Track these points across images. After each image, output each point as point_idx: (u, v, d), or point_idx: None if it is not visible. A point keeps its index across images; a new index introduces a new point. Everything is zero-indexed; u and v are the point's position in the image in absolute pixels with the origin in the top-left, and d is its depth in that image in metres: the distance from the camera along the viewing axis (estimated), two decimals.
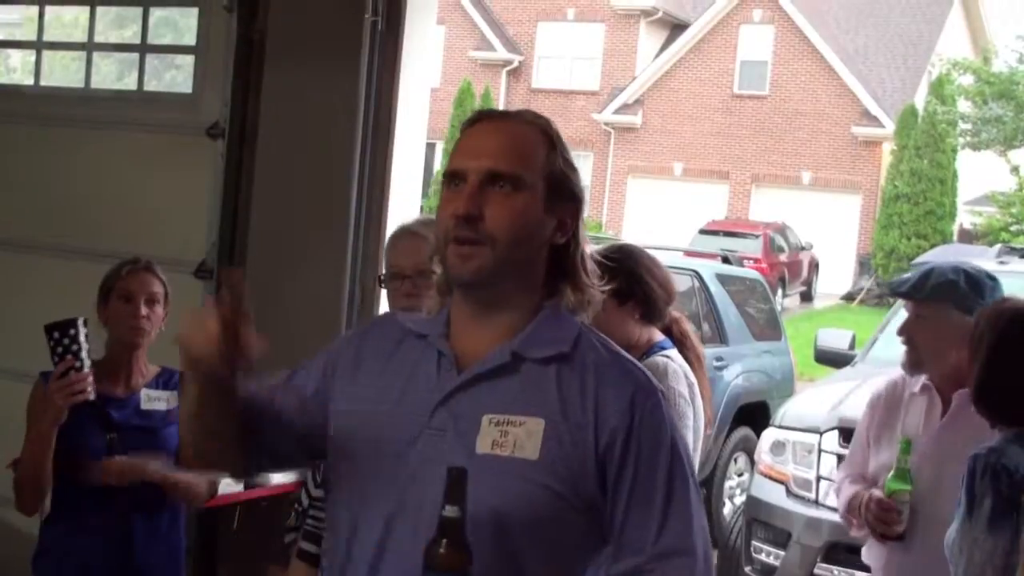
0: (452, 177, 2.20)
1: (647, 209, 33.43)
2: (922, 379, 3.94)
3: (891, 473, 3.76)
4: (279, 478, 4.62)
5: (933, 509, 3.73)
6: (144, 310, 3.90)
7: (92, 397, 3.76)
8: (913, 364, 3.88)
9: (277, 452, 2.33)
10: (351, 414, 2.26)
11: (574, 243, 2.24)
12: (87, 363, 3.74)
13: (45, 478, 3.81)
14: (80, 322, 3.76)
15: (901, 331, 3.87)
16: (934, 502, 3.73)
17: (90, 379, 3.74)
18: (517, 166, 2.17)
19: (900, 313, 8.10)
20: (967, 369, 3.65)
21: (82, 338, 3.74)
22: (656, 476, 2.13)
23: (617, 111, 35.06)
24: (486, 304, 2.22)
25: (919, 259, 11.82)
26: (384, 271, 3.49)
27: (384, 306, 4.78)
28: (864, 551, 4.09)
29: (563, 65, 36.03)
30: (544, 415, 2.12)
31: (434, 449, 2.13)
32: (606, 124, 35.27)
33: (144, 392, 3.97)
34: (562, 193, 2.22)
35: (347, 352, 2.34)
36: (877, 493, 3.79)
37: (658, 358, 3.87)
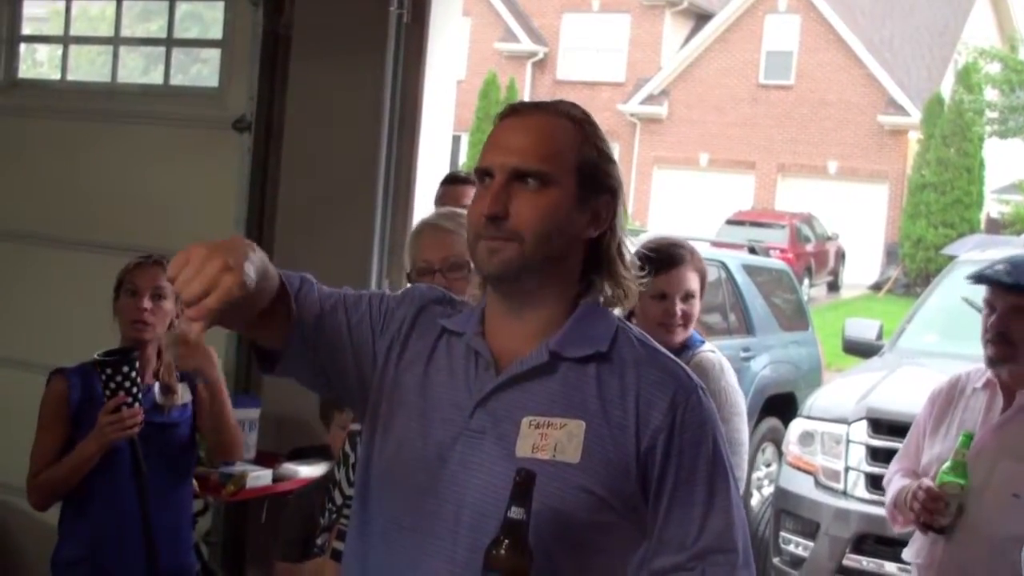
0: (481, 174, 2.17)
1: (673, 200, 33.36)
2: (986, 375, 3.89)
3: (947, 464, 3.71)
4: (306, 472, 4.62)
5: (980, 505, 3.70)
6: (148, 304, 3.89)
7: (139, 431, 3.81)
8: (1003, 359, 3.77)
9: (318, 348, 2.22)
10: (393, 415, 2.23)
11: (610, 235, 2.19)
12: (139, 399, 3.77)
13: (69, 489, 3.89)
14: (133, 358, 3.78)
15: (998, 324, 3.76)
16: (982, 498, 3.70)
17: (140, 415, 3.78)
18: (544, 162, 2.12)
19: (928, 302, 8.13)
20: None
21: (134, 374, 3.76)
22: (697, 475, 2.10)
23: (643, 102, 35.01)
24: (519, 300, 2.18)
25: (947, 248, 11.76)
26: (409, 267, 3.46)
27: None
28: (907, 550, 4.03)
29: (588, 56, 35.97)
30: (585, 417, 2.09)
31: (473, 451, 2.11)
32: (632, 115, 35.21)
33: (158, 385, 3.98)
34: (596, 185, 2.17)
35: (397, 320, 2.26)
36: (928, 482, 3.74)
37: (709, 355, 3.88)
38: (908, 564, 4.08)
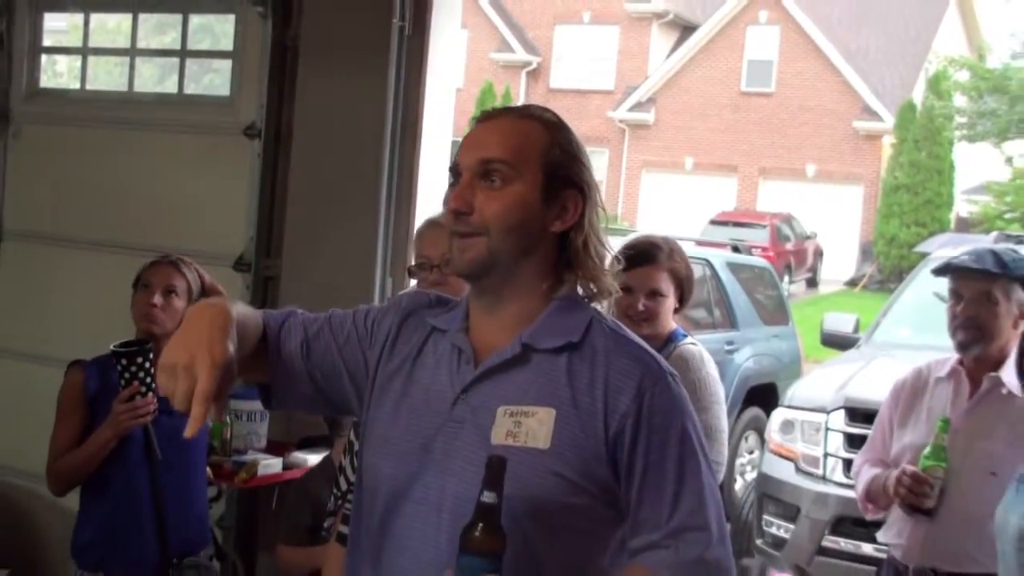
0: (454, 173, 2.18)
1: (660, 201, 33.39)
2: (949, 364, 3.91)
3: (927, 450, 3.72)
4: (314, 460, 4.62)
5: (959, 484, 3.72)
6: (159, 299, 3.90)
7: (152, 419, 3.81)
8: (974, 341, 3.79)
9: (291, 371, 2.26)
10: (382, 410, 2.24)
11: (577, 230, 2.17)
12: (152, 388, 3.76)
13: (87, 476, 3.90)
14: (147, 349, 3.79)
15: (967, 310, 3.78)
16: (960, 478, 3.72)
17: (154, 404, 3.78)
18: (508, 153, 2.13)
19: (902, 298, 8.14)
20: (1008, 350, 3.72)
21: (148, 364, 3.76)
22: (667, 457, 2.09)
23: (631, 109, 35.01)
24: (493, 295, 2.18)
25: (919, 246, 11.76)
26: (413, 262, 3.49)
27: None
28: (881, 532, 4.04)
29: (579, 66, 35.96)
30: (555, 404, 2.08)
31: (454, 441, 2.11)
32: (621, 121, 35.21)
33: None
34: (563, 182, 2.16)
35: (384, 328, 2.29)
36: (911, 468, 3.74)
37: (690, 347, 3.88)
38: (884, 545, 4.08)
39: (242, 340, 2.06)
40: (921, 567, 3.83)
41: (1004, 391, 3.77)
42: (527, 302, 2.17)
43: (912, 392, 3.99)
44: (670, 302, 3.88)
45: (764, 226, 27.21)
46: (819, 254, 30.01)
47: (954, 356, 3.92)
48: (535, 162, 2.15)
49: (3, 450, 5.71)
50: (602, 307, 2.28)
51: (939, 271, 3.97)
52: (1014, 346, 3.76)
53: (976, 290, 3.79)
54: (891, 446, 3.99)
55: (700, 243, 12.96)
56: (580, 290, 2.21)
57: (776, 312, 11.41)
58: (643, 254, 3.86)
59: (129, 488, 3.90)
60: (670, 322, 3.92)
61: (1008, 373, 3.75)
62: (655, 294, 3.84)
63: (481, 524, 1.91)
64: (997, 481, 3.63)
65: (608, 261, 2.22)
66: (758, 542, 7.01)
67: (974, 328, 3.78)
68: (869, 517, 4.10)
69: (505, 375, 2.13)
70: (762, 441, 8.16)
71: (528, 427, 2.07)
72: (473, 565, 1.90)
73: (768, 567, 6.71)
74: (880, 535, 4.06)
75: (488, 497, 1.91)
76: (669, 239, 4.05)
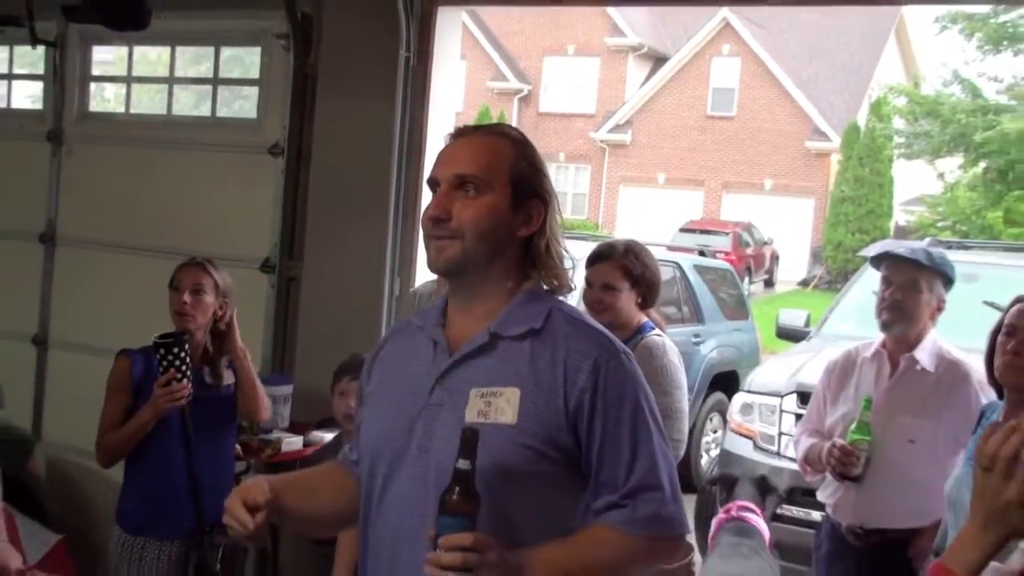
0: (431, 184, 2.19)
1: (636, 212, 33.42)
2: (874, 347, 3.97)
3: (853, 426, 3.78)
4: (330, 438, 4.61)
5: (882, 453, 3.77)
6: (188, 298, 3.92)
7: (187, 402, 3.83)
8: (895, 322, 3.85)
9: None
10: (373, 401, 2.29)
11: (540, 234, 2.19)
12: (187, 375, 3.79)
13: (130, 450, 3.92)
14: (183, 341, 3.82)
15: (894, 294, 3.83)
16: (883, 447, 3.77)
17: (188, 388, 3.81)
18: (481, 171, 2.13)
19: (847, 296, 8.14)
20: (924, 334, 3.79)
21: (184, 354, 3.79)
22: (622, 425, 2.09)
23: (610, 131, 35.02)
24: (467, 291, 2.19)
25: (862, 251, 11.75)
26: None
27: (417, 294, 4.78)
28: (819, 492, 4.08)
29: (565, 92, 35.96)
30: (520, 384, 2.09)
31: (434, 421, 2.12)
32: (601, 141, 35.21)
33: (205, 370, 4.00)
34: (528, 192, 2.17)
35: (367, 375, 2.37)
36: (840, 441, 3.78)
37: (655, 338, 3.91)
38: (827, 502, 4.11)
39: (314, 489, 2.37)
40: (851, 525, 3.88)
41: (918, 368, 3.83)
42: (496, 297, 2.18)
43: (843, 371, 4.04)
44: (625, 295, 3.92)
45: (727, 233, 27.27)
46: (775, 258, 30.05)
47: (879, 340, 3.96)
48: (505, 175, 2.15)
49: (59, 431, 5.72)
50: (572, 300, 2.29)
51: (876, 259, 4.01)
52: (929, 332, 3.86)
53: (905, 278, 3.84)
54: (826, 418, 4.04)
55: (671, 248, 12.97)
56: (544, 286, 2.22)
57: (737, 309, 11.40)
58: (600, 254, 3.96)
59: (167, 462, 3.92)
60: (634, 314, 3.94)
61: (922, 353, 3.83)
62: (608, 287, 3.89)
63: (457, 488, 1.92)
64: (915, 448, 3.75)
65: (566, 261, 2.24)
66: (719, 508, 7.00)
67: (898, 311, 3.83)
68: (808, 479, 4.18)
69: (476, 361, 2.14)
70: (725, 422, 8.14)
71: (497, 405, 2.08)
72: (451, 524, 1.91)
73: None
74: (818, 493, 4.10)
75: (463, 464, 1.92)
76: (631, 242, 4.09)
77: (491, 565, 1.92)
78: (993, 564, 1.66)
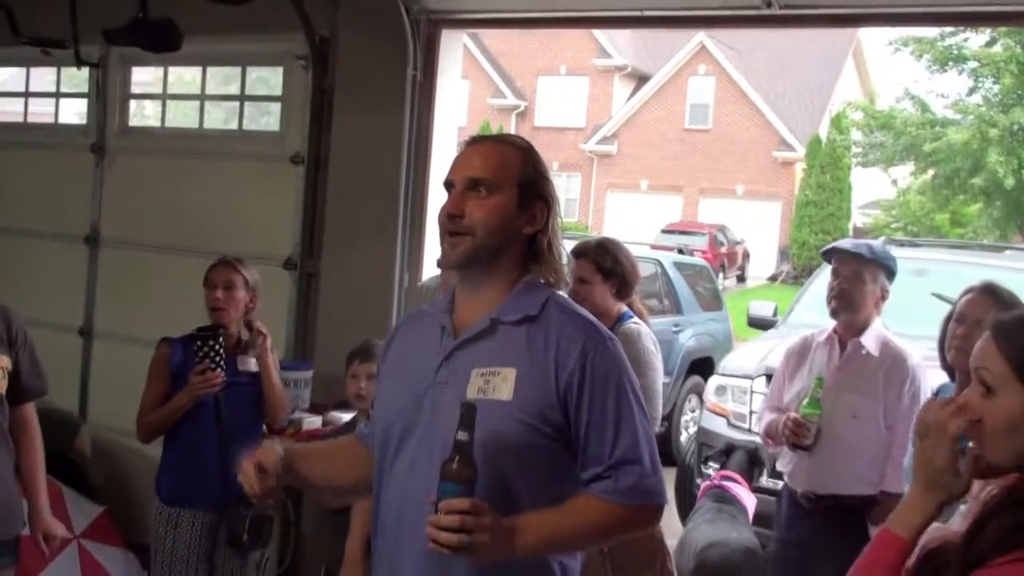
0: (447, 185, 2.21)
1: (622, 215, 33.40)
2: (826, 332, 3.99)
3: (805, 400, 3.83)
4: (347, 418, 4.59)
5: (830, 427, 3.80)
6: (221, 294, 3.93)
7: (220, 389, 3.84)
8: (841, 310, 3.86)
9: None
10: (387, 380, 2.30)
11: (543, 233, 2.20)
12: (221, 365, 3.80)
13: (167, 429, 3.93)
14: (219, 334, 3.83)
15: (842, 283, 3.84)
16: (831, 422, 3.80)
17: (222, 377, 3.82)
18: (492, 175, 2.15)
19: (810, 289, 8.12)
20: (869, 321, 3.81)
21: (219, 346, 3.80)
22: (607, 405, 2.09)
23: (598, 142, 35.02)
24: (474, 282, 2.20)
25: (824, 249, 11.73)
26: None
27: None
28: (778, 463, 4.10)
29: (557, 108, 35.96)
30: (516, 365, 2.09)
31: (439, 398, 2.12)
32: (590, 152, 35.21)
33: (238, 358, 3.98)
34: (533, 195, 2.19)
35: (383, 357, 2.38)
36: (793, 415, 3.81)
37: (632, 325, 3.91)
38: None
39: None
40: (805, 491, 3.90)
41: (864, 352, 3.85)
42: (499, 288, 2.19)
43: (799, 354, 4.07)
44: (598, 288, 3.92)
45: (704, 234, 27.31)
46: (747, 256, 30.10)
47: (831, 327, 3.97)
48: (513, 178, 2.17)
49: (104, 412, 5.70)
50: (565, 293, 2.30)
51: (826, 253, 4.04)
52: (875, 319, 3.88)
53: (851, 270, 3.85)
54: (784, 395, 4.05)
55: (653, 247, 12.95)
56: (542, 280, 2.22)
57: (712, 301, 11.40)
58: (574, 251, 3.97)
59: (202, 441, 3.92)
60: (611, 304, 3.95)
61: (867, 339, 3.85)
62: (582, 281, 3.90)
63: (457, 458, 1.92)
64: (858, 422, 3.79)
65: (565, 258, 2.26)
66: (698, 482, 6.98)
67: (844, 299, 3.85)
68: (770, 450, 4.21)
69: (477, 344, 2.14)
70: (701, 402, 8.13)
71: (495, 384, 2.08)
72: (451, 490, 1.91)
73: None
74: (777, 464, 4.13)
75: (462, 436, 1.93)
76: (603, 239, 4.12)
77: (485, 528, 1.92)
78: (935, 524, 1.66)
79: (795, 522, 3.97)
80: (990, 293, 3.21)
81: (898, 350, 3.83)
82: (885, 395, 3.78)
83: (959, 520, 1.73)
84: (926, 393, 3.71)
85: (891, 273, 3.88)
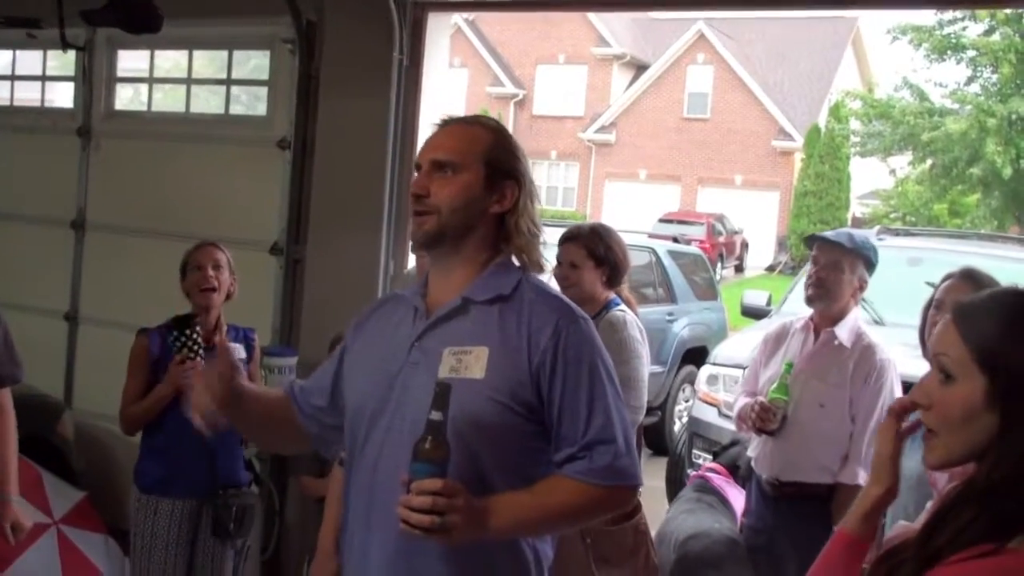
0: (416, 167, 2.21)
1: (620, 204, 33.40)
2: (803, 320, 3.97)
3: (774, 385, 3.82)
4: None
5: (796, 414, 3.78)
6: (212, 273, 3.88)
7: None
8: (817, 298, 3.83)
9: (325, 426, 2.35)
10: (358, 362, 2.27)
11: (512, 212, 2.17)
12: (200, 354, 3.73)
13: (150, 420, 3.89)
14: (195, 323, 3.77)
15: (819, 272, 3.81)
16: (798, 409, 3.78)
17: (200, 366, 3.72)
18: (457, 155, 2.15)
19: (805, 279, 8.07)
20: (846, 311, 3.79)
21: (196, 335, 3.74)
22: (580, 384, 2.07)
23: (597, 131, 34.99)
24: (444, 262, 2.19)
25: (807, 237, 11.69)
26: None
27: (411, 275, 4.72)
28: (750, 448, 4.08)
29: (556, 97, 35.93)
30: (488, 344, 2.07)
31: (411, 378, 2.11)
32: (589, 141, 35.18)
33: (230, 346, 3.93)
34: (502, 174, 2.16)
35: (352, 336, 2.34)
36: (761, 399, 3.81)
37: (618, 313, 3.89)
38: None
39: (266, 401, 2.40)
40: (769, 477, 3.89)
41: (836, 343, 3.81)
42: (470, 268, 2.17)
43: (776, 340, 4.05)
44: (588, 273, 3.90)
45: (702, 223, 27.26)
46: (745, 246, 30.06)
47: (808, 315, 3.96)
48: (479, 158, 2.15)
49: (89, 397, 5.67)
50: (544, 278, 2.27)
51: (808, 241, 4.00)
52: (851, 309, 3.86)
53: (829, 258, 3.81)
54: (760, 380, 4.04)
55: (650, 236, 12.92)
56: (515, 260, 2.19)
57: (707, 290, 11.38)
58: (568, 235, 3.97)
59: (182, 428, 3.80)
60: (600, 291, 3.93)
61: (841, 329, 3.82)
62: (572, 265, 3.88)
63: (430, 438, 1.89)
64: (824, 411, 3.77)
65: (540, 239, 2.22)
66: (689, 471, 6.96)
67: (822, 288, 3.81)
68: (742, 433, 4.22)
69: (450, 323, 2.13)
70: (694, 392, 8.10)
71: (467, 362, 2.06)
72: (423, 470, 1.89)
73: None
74: (749, 450, 4.10)
75: (435, 415, 1.90)
76: (597, 225, 4.10)
77: (458, 509, 1.89)
78: (902, 523, 1.62)
79: (762, 508, 3.96)
80: (969, 279, 3.14)
81: (869, 343, 3.80)
82: (852, 386, 3.75)
83: (924, 518, 1.69)
84: (894, 387, 3.69)
85: (871, 264, 3.84)
